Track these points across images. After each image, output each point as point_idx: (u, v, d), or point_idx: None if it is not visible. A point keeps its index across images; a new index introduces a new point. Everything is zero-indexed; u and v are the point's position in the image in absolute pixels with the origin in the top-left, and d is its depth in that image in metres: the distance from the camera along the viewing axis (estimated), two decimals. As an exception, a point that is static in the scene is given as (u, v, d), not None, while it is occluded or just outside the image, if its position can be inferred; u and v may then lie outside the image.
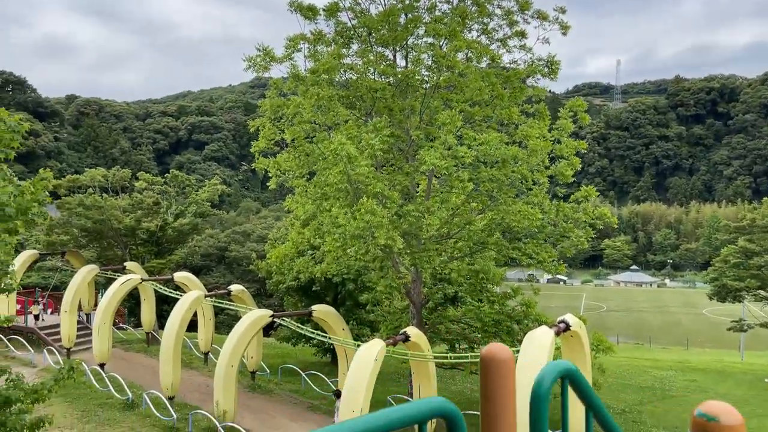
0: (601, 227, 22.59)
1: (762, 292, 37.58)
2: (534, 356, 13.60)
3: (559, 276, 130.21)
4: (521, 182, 20.58)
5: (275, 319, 21.02)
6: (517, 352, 14.99)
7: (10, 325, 28.43)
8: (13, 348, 28.12)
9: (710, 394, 29.87)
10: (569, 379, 2.50)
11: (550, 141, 20.53)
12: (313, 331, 21.42)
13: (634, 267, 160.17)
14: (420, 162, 18.99)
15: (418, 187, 22.40)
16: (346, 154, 16.74)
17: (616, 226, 22.10)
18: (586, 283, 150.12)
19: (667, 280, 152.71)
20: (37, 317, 30.60)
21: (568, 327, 15.58)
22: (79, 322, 30.30)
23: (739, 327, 39.72)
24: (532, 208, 19.48)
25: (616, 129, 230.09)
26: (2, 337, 29.09)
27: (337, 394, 18.52)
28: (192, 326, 29.84)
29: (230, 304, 24.55)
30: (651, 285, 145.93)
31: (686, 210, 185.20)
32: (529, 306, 21.65)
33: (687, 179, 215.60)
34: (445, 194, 20.33)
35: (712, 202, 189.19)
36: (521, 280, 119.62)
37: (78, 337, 28.57)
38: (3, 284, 12.74)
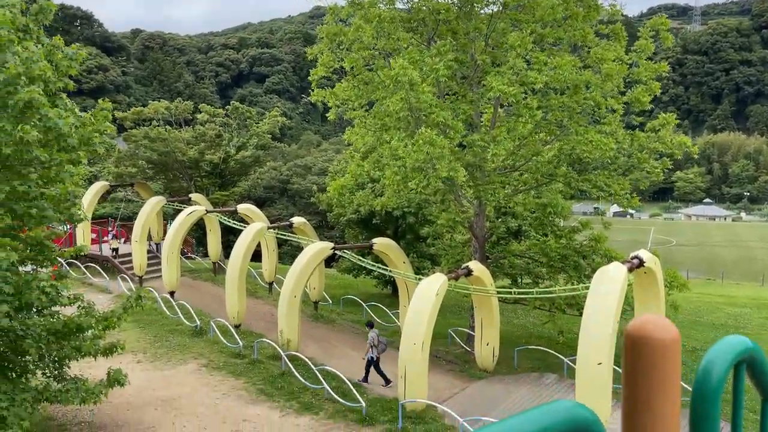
0: (679, 158, 21.15)
1: None
2: (605, 294, 12.95)
3: (625, 209, 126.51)
4: (594, 110, 19.32)
5: (336, 252, 20.96)
6: (586, 288, 14.35)
7: (86, 253, 29.72)
8: (89, 275, 29.47)
9: (789, 333, 28.43)
10: (748, 363, 1.74)
11: (627, 65, 19.04)
12: (374, 263, 21.30)
13: (707, 200, 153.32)
14: (486, 89, 18.00)
15: (482, 116, 21.42)
16: (407, 80, 15.95)
17: (696, 156, 20.61)
18: (654, 217, 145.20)
19: (742, 214, 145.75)
20: (116, 252, 31.76)
21: (641, 263, 14.75)
22: (149, 252, 31.41)
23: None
24: (605, 137, 18.28)
25: (694, 53, 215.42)
26: (80, 264, 30.49)
27: (369, 325, 18.54)
28: (257, 257, 30.44)
29: (292, 236, 24.70)
30: (725, 219, 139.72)
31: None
32: (599, 241, 20.72)
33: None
34: (511, 123, 19.34)
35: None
36: (585, 214, 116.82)
37: (149, 265, 29.63)
38: (72, 215, 12.91)
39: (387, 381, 17.70)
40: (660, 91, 19.61)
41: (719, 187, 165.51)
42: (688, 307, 30.70)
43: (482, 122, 20.88)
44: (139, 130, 34.07)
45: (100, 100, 12.74)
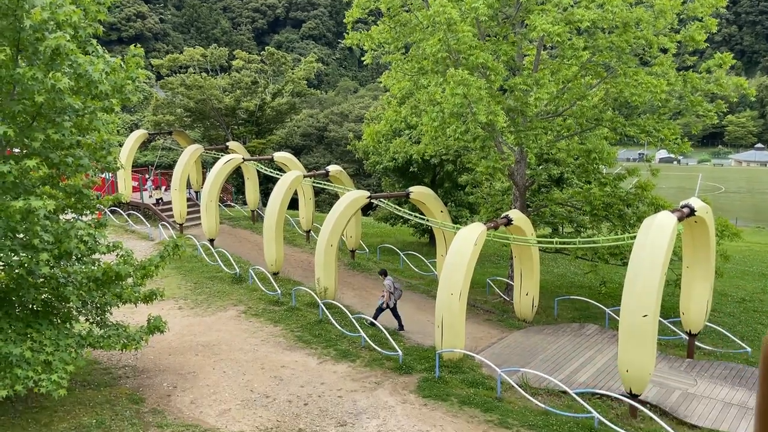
0: (734, 100, 19.94)
1: None
2: (653, 244, 12.39)
3: (671, 155, 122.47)
4: (644, 50, 18.21)
5: (372, 200, 20.69)
6: (632, 238, 13.79)
7: (127, 201, 30.12)
8: (132, 222, 30.03)
9: None
10: None
11: (680, 0, 17.77)
12: (411, 212, 20.98)
13: (759, 145, 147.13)
14: (529, 29, 17.06)
15: (524, 58, 20.47)
16: (445, 20, 15.20)
17: (753, 98, 19.34)
18: (702, 163, 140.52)
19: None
20: (158, 201, 32.22)
21: (692, 212, 14.05)
22: (189, 200, 31.75)
23: None
24: (655, 78, 17.26)
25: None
26: (122, 212, 31.07)
27: (383, 273, 18.46)
28: (294, 205, 30.48)
29: (328, 185, 24.50)
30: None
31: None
32: (645, 188, 19.88)
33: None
34: (555, 65, 18.43)
35: None
36: (629, 160, 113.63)
37: (189, 213, 29.99)
38: (108, 163, 12.89)
39: (401, 326, 17.84)
40: (710, 32, 18.30)
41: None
42: (736, 257, 29.67)
43: (524, 65, 19.96)
44: (176, 78, 33.98)
45: (131, 47, 12.46)
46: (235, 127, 35.93)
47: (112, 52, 12.45)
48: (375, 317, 17.48)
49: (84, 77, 10.83)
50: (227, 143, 31.63)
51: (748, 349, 16.39)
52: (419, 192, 21.17)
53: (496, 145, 19.49)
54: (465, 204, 29.37)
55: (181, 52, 36.35)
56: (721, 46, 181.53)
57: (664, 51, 18.38)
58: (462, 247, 15.42)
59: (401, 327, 17.86)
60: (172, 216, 29.61)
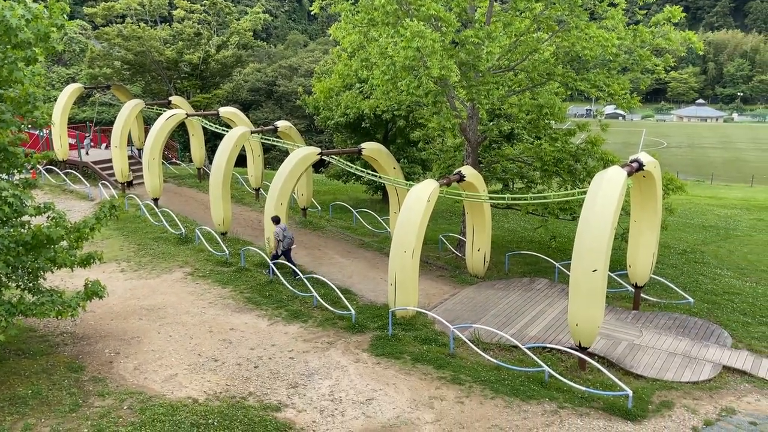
0: (683, 54, 20.06)
1: None
2: (603, 199, 12.39)
3: (617, 111, 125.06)
4: (596, 3, 18.01)
5: (324, 157, 20.16)
6: (583, 193, 13.80)
7: (64, 159, 28.65)
8: (69, 182, 28.64)
9: (778, 235, 28.46)
10: None
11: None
12: (363, 169, 20.57)
13: (700, 101, 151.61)
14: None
15: (477, 11, 20.00)
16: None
17: (701, 52, 19.47)
18: (646, 118, 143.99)
19: (735, 115, 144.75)
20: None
21: (641, 166, 14.12)
22: (131, 158, 30.45)
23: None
24: (606, 33, 17.12)
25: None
26: (58, 171, 29.58)
27: (275, 220, 18.34)
28: (244, 162, 29.59)
29: (277, 141, 23.76)
30: (717, 120, 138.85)
31: (765, 38, 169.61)
32: (594, 143, 19.98)
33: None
34: (508, 18, 18.04)
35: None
36: (577, 116, 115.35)
37: (132, 171, 28.78)
38: (35, 119, 11.98)
39: (295, 273, 17.76)
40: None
41: (713, 88, 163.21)
42: (678, 209, 30.52)
43: (477, 17, 19.51)
44: (112, 28, 32.07)
45: (54, -10, 11.42)
46: (178, 81, 34.37)
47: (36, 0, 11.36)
48: (271, 269, 17.85)
49: (1, 24, 9.88)
50: (170, 98, 30.25)
51: (691, 300, 16.88)
52: (371, 148, 20.75)
53: (449, 101, 19.15)
54: (417, 160, 29.09)
55: (117, 1, 34.24)
56: (668, 1, 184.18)
57: (614, 5, 18.24)
58: (415, 204, 15.18)
59: (296, 274, 17.72)
60: (113, 174, 28.35)
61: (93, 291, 11.84)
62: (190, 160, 34.85)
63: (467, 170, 17.42)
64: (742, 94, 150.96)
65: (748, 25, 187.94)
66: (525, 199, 17.32)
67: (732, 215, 33.41)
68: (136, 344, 13.57)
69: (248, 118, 30.20)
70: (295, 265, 18.09)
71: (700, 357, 13.59)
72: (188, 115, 26.25)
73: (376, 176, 20.42)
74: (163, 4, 35.41)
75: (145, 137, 30.72)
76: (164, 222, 22.35)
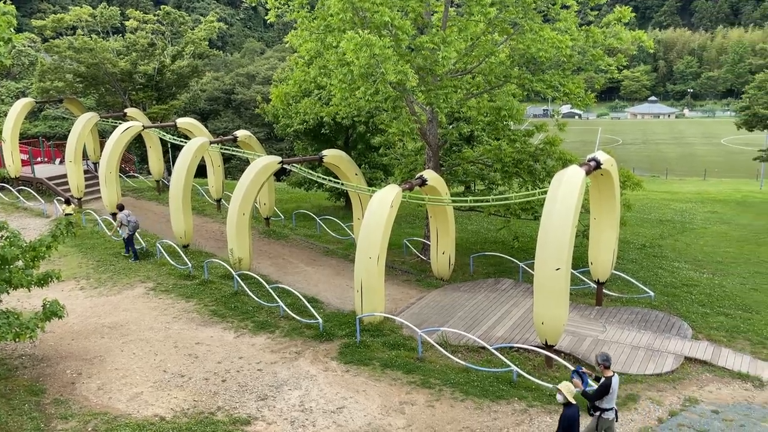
0: (634, 53, 20.60)
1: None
2: (563, 198, 12.61)
3: (573, 111, 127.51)
4: (548, 6, 18.35)
5: (285, 165, 20.03)
6: (543, 193, 14.02)
7: (16, 175, 27.78)
8: (23, 198, 27.80)
9: (732, 225, 29.45)
10: None
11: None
12: (325, 176, 20.50)
13: (652, 98, 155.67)
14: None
15: (432, 16, 20.16)
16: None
17: (651, 50, 20.01)
18: (602, 117, 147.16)
19: (686, 111, 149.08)
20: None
21: (599, 165, 14.41)
22: (87, 172, 29.72)
23: (767, 156, 38.40)
24: (560, 34, 17.45)
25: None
26: (11, 188, 28.68)
27: (120, 207, 20.90)
28: (204, 173, 29.16)
29: (237, 151, 23.50)
30: (669, 116, 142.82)
31: (711, 35, 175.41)
32: (553, 143, 20.34)
33: (713, 2, 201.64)
34: (463, 22, 18.23)
35: (739, 26, 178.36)
36: (535, 116, 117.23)
37: (88, 186, 28.10)
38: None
39: (136, 257, 20.02)
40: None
41: (664, 85, 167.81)
42: (636, 205, 31.29)
43: (433, 22, 19.67)
44: (63, 40, 31.29)
45: (0, 3, 11.11)
46: (133, 92, 33.70)
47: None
48: (127, 249, 20.22)
49: (-56, 39, 9.56)
50: (125, 110, 29.65)
51: (651, 293, 17.30)
52: (333, 155, 20.70)
53: (408, 105, 19.24)
54: (379, 166, 29.13)
55: (67, 12, 33.41)
56: (617, 2, 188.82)
57: (567, 7, 18.61)
58: (378, 209, 15.20)
59: (136, 257, 20.00)
60: (68, 190, 27.60)
61: (51, 311, 11.50)
62: (149, 173, 34.20)
63: (429, 174, 17.53)
64: (691, 90, 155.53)
65: (694, 23, 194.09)
66: (487, 201, 17.51)
67: (687, 209, 34.42)
68: (98, 363, 13.23)
69: (207, 128, 29.84)
70: (135, 250, 20.20)
71: (662, 349, 13.92)
72: (145, 127, 25.76)
73: (338, 183, 20.38)
74: (115, 15, 34.73)
75: (101, 151, 30.09)
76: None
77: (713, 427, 10.72)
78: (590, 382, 9.55)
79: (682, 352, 13.78)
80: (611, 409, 9.43)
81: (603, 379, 9.35)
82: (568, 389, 8.86)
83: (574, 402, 8.86)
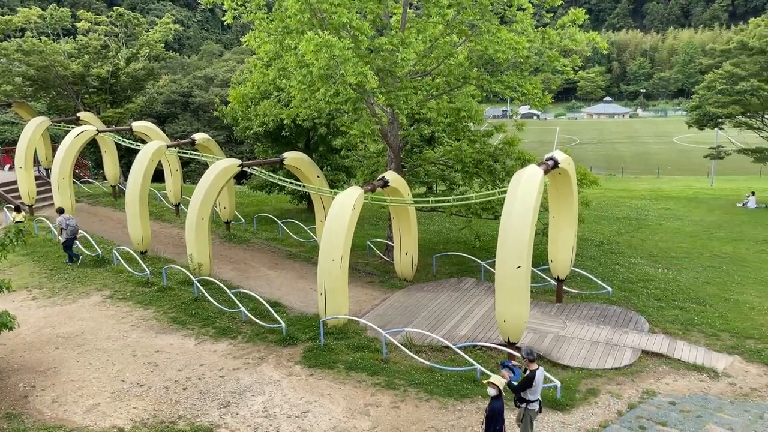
0: (588, 54, 21.04)
1: (742, 118, 36.98)
2: (522, 197, 12.77)
3: (532, 111, 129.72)
4: (505, 8, 18.58)
5: (245, 169, 19.78)
6: (503, 192, 14.17)
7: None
8: (-29, 208, 26.79)
9: (684, 221, 30.30)
10: None
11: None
12: (286, 179, 20.32)
13: (607, 98, 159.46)
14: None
15: (391, 18, 20.20)
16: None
17: (605, 51, 20.45)
18: (559, 117, 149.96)
19: (639, 110, 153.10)
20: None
21: (556, 164, 14.65)
22: (38, 178, 28.85)
23: (717, 154, 39.65)
24: (517, 36, 17.69)
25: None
26: (-42, 197, 27.62)
27: (60, 211, 20.95)
28: (162, 177, 28.59)
29: (195, 154, 23.10)
30: (623, 116, 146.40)
31: (662, 37, 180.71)
32: (512, 144, 20.60)
33: (664, 4, 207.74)
34: (421, 24, 18.32)
35: (689, 28, 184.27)
36: (495, 117, 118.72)
37: (40, 193, 27.27)
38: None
39: (71, 260, 19.87)
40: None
41: (618, 86, 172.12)
42: (593, 203, 31.96)
43: (392, 24, 19.71)
44: (11, 43, 30.27)
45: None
46: (86, 96, 32.82)
47: None
48: (69, 256, 19.91)
49: None
50: (78, 114, 28.86)
51: (609, 289, 17.66)
52: (294, 157, 20.54)
53: (368, 107, 19.23)
54: (341, 167, 29.05)
55: (15, 14, 32.36)
56: (572, 5, 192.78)
57: (523, 9, 18.88)
58: (340, 211, 15.14)
59: (72, 260, 19.85)
60: (19, 197, 26.71)
61: (2, 323, 11.09)
62: (104, 178, 33.38)
63: (391, 175, 17.55)
64: (644, 90, 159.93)
65: (646, 25, 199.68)
66: (448, 201, 17.61)
67: (642, 206, 35.29)
68: (53, 375, 12.81)
69: (165, 131, 29.27)
70: (73, 253, 19.94)
71: (620, 343, 14.22)
72: (99, 131, 25.14)
73: (299, 186, 20.23)
74: (66, 16, 33.76)
75: (53, 156, 29.22)
76: (78, 244, 21.24)
77: (671, 419, 10.98)
78: (520, 373, 9.75)
79: (640, 345, 14.10)
80: (536, 400, 9.73)
81: (528, 372, 9.60)
82: (500, 382, 9.08)
83: (503, 394, 9.11)
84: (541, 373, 9.69)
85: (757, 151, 37.54)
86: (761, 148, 37.90)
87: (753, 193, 37.32)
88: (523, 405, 9.72)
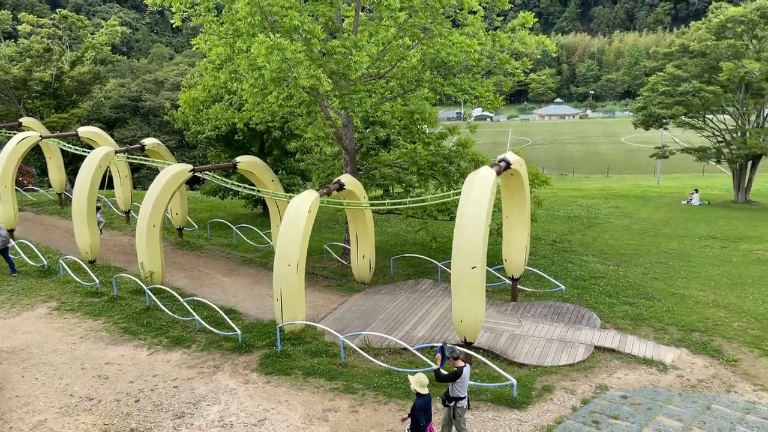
0: (538, 57, 21.44)
1: (684, 118, 38.32)
2: (476, 198, 12.89)
3: (485, 113, 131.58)
4: (456, 11, 18.78)
5: (197, 174, 19.42)
6: (457, 194, 14.28)
7: None
8: None
9: (633, 219, 31.19)
10: None
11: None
12: (240, 184, 20.03)
13: (558, 100, 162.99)
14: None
15: (344, 21, 20.16)
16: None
17: (555, 54, 20.89)
18: (511, 119, 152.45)
19: (588, 111, 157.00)
20: None
21: (509, 165, 14.85)
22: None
23: (662, 154, 40.96)
24: (468, 39, 17.89)
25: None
26: None
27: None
28: (112, 183, 27.82)
29: (146, 159, 22.56)
30: (574, 117, 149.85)
31: (609, 40, 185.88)
32: (465, 146, 20.82)
33: (610, 8, 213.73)
34: (374, 27, 18.35)
35: (634, 31, 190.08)
36: (449, 119, 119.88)
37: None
38: None
39: (13, 270, 19.43)
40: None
41: (568, 87, 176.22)
42: (545, 202, 32.57)
43: (344, 27, 19.67)
44: (-54, 46, 28.99)
45: None
46: (29, 101, 31.70)
47: None
48: (10, 266, 19.48)
49: None
50: (20, 120, 27.85)
51: (563, 287, 18.00)
52: (247, 162, 20.27)
53: (323, 110, 19.14)
54: (296, 171, 28.82)
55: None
56: (521, 8, 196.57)
57: (474, 12, 19.12)
58: (296, 216, 15.00)
59: (13, 270, 19.43)
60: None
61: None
62: (49, 186, 32.30)
63: (346, 178, 17.49)
64: (593, 92, 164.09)
65: (593, 28, 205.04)
66: (404, 204, 17.67)
67: (593, 205, 36.17)
68: (-4, 393, 12.29)
69: (113, 137, 28.59)
70: (11, 263, 19.50)
71: (574, 340, 14.50)
72: (43, 137, 24.29)
73: (254, 190, 19.98)
74: (6, 18, 32.55)
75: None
76: (22, 255, 20.52)
77: (622, 412, 11.25)
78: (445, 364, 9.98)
79: (592, 341, 14.41)
80: (464, 397, 9.94)
81: (455, 369, 9.80)
82: (417, 381, 9.22)
83: (425, 392, 9.25)
84: (467, 370, 9.91)
85: (699, 150, 39.00)
86: (703, 147, 39.39)
87: (696, 191, 38.74)
88: (452, 404, 9.89)
